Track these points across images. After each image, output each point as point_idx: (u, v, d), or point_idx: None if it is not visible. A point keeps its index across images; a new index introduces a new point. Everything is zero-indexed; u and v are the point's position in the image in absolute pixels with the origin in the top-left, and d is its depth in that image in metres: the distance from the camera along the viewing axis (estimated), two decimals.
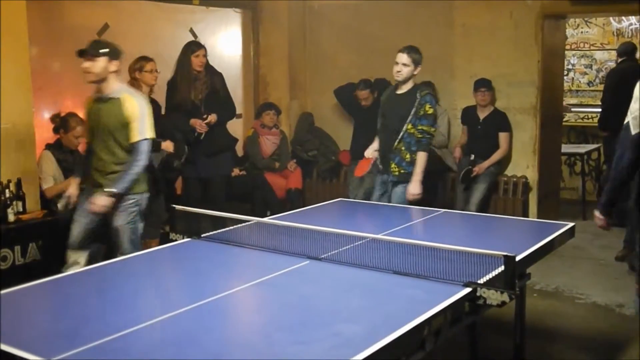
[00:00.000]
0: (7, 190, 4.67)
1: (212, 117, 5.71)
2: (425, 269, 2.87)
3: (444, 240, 3.10)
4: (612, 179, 3.46)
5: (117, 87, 4.19)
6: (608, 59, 9.22)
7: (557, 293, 5.26)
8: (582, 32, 9.24)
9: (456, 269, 2.81)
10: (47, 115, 5.52)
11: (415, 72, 5.05)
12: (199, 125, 5.68)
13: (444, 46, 7.09)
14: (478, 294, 2.67)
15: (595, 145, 8.62)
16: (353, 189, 6.65)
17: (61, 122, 5.12)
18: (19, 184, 4.74)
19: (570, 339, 4.41)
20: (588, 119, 9.05)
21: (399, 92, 5.12)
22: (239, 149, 7.12)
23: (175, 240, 3.61)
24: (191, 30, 7.12)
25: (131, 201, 4.20)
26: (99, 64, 4.10)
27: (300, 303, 2.64)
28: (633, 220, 6.07)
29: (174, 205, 3.80)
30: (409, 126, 4.98)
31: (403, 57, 5.03)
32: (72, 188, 4.39)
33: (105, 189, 4.10)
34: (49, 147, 5.15)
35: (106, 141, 4.18)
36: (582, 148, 8.49)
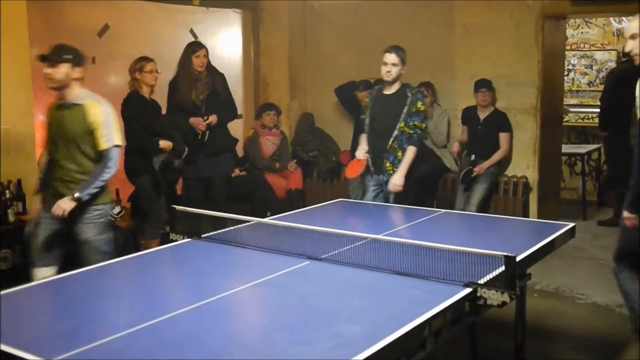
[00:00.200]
0: (7, 191, 4.67)
1: (213, 118, 5.72)
2: (426, 269, 2.87)
3: (444, 240, 3.10)
4: (636, 176, 3.50)
5: (80, 93, 4.01)
6: (608, 59, 9.22)
7: (558, 293, 5.26)
8: (582, 33, 9.24)
9: (456, 269, 2.81)
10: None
11: (402, 71, 5.08)
12: (199, 123, 5.69)
13: (444, 46, 7.09)
14: (478, 294, 2.67)
15: (595, 146, 8.62)
16: (353, 189, 6.64)
17: None
18: (19, 184, 4.75)
19: (571, 339, 4.41)
20: (588, 119, 9.05)
21: (388, 92, 5.15)
22: (239, 150, 7.12)
23: (176, 240, 3.61)
24: (191, 31, 7.13)
25: (97, 212, 4.05)
26: (61, 70, 3.94)
27: (300, 303, 2.64)
28: None
29: (174, 206, 3.80)
30: (402, 124, 5.04)
31: (392, 57, 5.05)
32: (36, 207, 4.22)
33: (72, 194, 3.94)
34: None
35: (70, 150, 4.01)
36: (583, 148, 8.49)
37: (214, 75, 5.84)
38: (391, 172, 5.07)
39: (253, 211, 6.64)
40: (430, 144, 6.92)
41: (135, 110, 5.36)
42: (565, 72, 8.49)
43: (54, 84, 3.98)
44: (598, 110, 7.87)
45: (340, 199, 5.11)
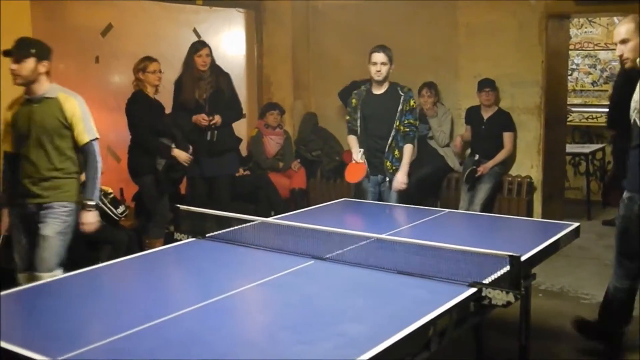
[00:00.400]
0: None
1: (217, 119, 5.71)
2: (430, 269, 2.87)
3: (448, 240, 3.09)
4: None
5: (49, 86, 3.89)
6: (612, 58, 9.19)
7: (562, 293, 5.25)
8: (586, 32, 9.22)
9: (461, 269, 2.80)
10: None
11: (391, 70, 5.10)
12: (202, 120, 5.68)
13: (448, 46, 7.08)
14: (483, 294, 2.67)
15: (599, 145, 8.61)
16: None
17: None
18: None
19: (575, 339, 4.38)
20: (592, 118, 9.04)
21: (378, 92, 5.17)
22: (243, 149, 7.12)
23: (180, 240, 3.61)
24: (194, 31, 7.13)
25: (63, 209, 3.89)
26: (27, 66, 3.78)
27: (304, 303, 2.63)
28: None
29: (178, 205, 3.80)
30: (397, 123, 5.08)
31: (380, 57, 5.05)
32: (4, 221, 4.10)
33: (85, 203, 3.92)
34: None
35: (43, 145, 3.86)
36: (587, 148, 8.48)
37: (218, 75, 5.84)
38: (391, 170, 5.13)
39: (257, 211, 6.64)
40: (434, 143, 6.91)
41: (139, 109, 5.37)
42: (569, 72, 8.48)
43: (21, 80, 3.82)
44: (602, 109, 7.86)
45: (344, 199, 5.11)
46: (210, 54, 5.77)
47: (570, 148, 8.24)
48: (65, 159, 3.93)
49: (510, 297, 2.63)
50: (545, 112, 6.67)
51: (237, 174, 6.56)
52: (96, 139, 3.96)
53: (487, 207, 6.48)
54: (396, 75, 5.36)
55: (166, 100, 5.69)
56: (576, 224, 3.83)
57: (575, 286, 5.34)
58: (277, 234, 3.50)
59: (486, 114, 6.63)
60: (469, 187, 6.52)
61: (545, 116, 6.68)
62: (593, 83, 9.29)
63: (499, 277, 2.76)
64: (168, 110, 5.73)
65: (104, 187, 5.13)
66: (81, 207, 3.96)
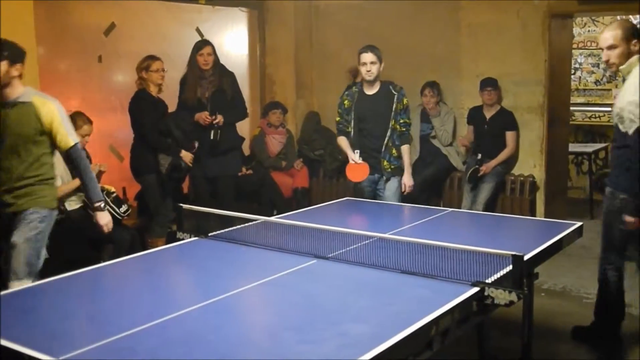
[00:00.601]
0: None
1: (220, 118, 5.70)
2: (433, 268, 2.87)
3: (451, 239, 3.08)
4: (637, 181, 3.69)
5: (23, 90, 3.72)
6: None
7: (565, 292, 5.24)
8: (589, 31, 9.21)
9: (464, 268, 2.80)
10: None
11: (381, 69, 5.10)
12: (204, 118, 5.67)
13: (450, 46, 7.08)
14: (486, 293, 2.67)
15: (602, 145, 8.60)
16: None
17: None
18: None
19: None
20: (595, 118, 9.03)
21: (370, 92, 5.17)
22: (245, 148, 7.12)
23: (182, 239, 3.61)
24: (197, 30, 7.13)
25: (36, 216, 3.71)
26: None
27: (307, 302, 2.63)
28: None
29: (181, 205, 3.80)
30: (393, 122, 5.11)
31: (369, 56, 5.06)
32: None
33: (95, 206, 3.92)
34: None
35: (18, 151, 3.70)
36: (590, 147, 8.47)
37: (222, 74, 5.82)
38: (389, 169, 5.16)
39: (259, 210, 6.64)
40: (437, 142, 6.91)
41: (142, 108, 5.38)
42: (572, 71, 8.47)
43: None
44: (605, 109, 7.85)
45: (347, 198, 5.11)
46: (213, 53, 5.76)
47: (573, 147, 8.23)
48: (40, 165, 3.77)
49: (513, 297, 2.63)
50: (548, 112, 6.66)
51: (239, 173, 6.56)
52: (77, 142, 3.85)
53: (490, 206, 6.48)
54: (398, 75, 5.37)
55: (170, 99, 5.69)
56: (579, 223, 3.83)
57: (577, 285, 5.34)
58: (280, 233, 3.50)
59: (489, 113, 6.63)
60: (472, 186, 6.52)
61: (548, 115, 6.67)
62: (596, 82, 9.28)
63: (501, 277, 2.76)
64: (171, 108, 5.73)
65: (106, 186, 5.14)
66: (92, 210, 3.97)
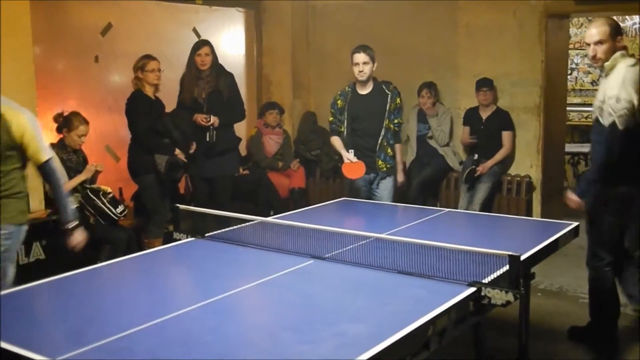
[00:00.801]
0: None
1: (215, 120, 5.67)
2: (430, 268, 2.87)
3: (448, 239, 3.09)
4: (601, 169, 3.86)
5: None
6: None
7: (561, 292, 5.25)
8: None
9: (460, 268, 2.81)
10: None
11: (374, 69, 5.13)
12: (200, 120, 5.66)
13: (448, 46, 7.08)
14: (483, 293, 2.67)
15: None
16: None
17: (64, 122, 5.12)
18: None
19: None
20: (592, 118, 9.03)
21: (364, 92, 5.20)
22: (242, 149, 7.12)
23: (179, 239, 3.61)
24: (194, 30, 7.13)
25: (3, 232, 3.38)
26: None
27: (304, 302, 2.64)
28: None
29: (177, 205, 3.80)
30: (387, 122, 5.16)
31: (361, 57, 5.10)
32: None
33: (67, 227, 3.56)
34: (52, 146, 5.14)
35: None
36: (586, 147, 8.42)
37: (219, 74, 5.78)
38: (384, 169, 5.20)
39: (256, 210, 6.64)
40: (434, 143, 6.92)
41: (139, 109, 5.37)
42: (569, 71, 8.48)
43: None
44: None
45: (343, 198, 5.11)
46: (211, 53, 5.72)
47: (570, 147, 8.24)
48: (7, 180, 3.42)
49: (510, 297, 2.63)
50: (545, 112, 6.67)
51: (236, 174, 6.55)
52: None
53: (487, 206, 6.48)
54: (396, 75, 5.38)
55: (167, 98, 5.68)
56: (575, 224, 3.84)
57: (574, 285, 5.34)
58: (277, 234, 3.50)
59: (485, 114, 6.64)
60: (469, 186, 6.52)
61: (545, 115, 6.68)
62: (592, 82, 9.30)
63: (498, 277, 2.77)
64: (169, 108, 5.72)
65: (102, 187, 5.14)
66: (63, 232, 3.60)
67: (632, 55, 3.99)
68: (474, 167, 6.48)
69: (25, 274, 4.33)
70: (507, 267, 2.72)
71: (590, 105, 9.10)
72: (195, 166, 5.76)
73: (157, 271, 3.19)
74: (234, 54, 7.67)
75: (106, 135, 6.25)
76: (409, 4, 7.15)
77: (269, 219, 3.91)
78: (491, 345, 3.90)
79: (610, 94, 3.75)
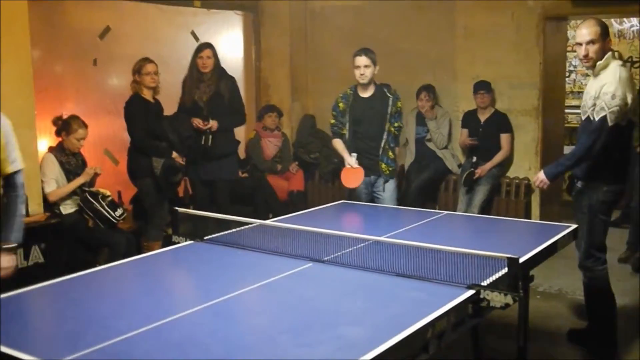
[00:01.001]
0: None
1: (213, 124, 5.64)
2: (429, 271, 2.87)
3: (446, 242, 3.09)
4: (578, 159, 3.96)
5: None
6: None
7: (560, 295, 5.25)
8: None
9: (459, 271, 2.80)
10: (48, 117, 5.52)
11: (375, 72, 5.15)
12: (198, 124, 5.64)
13: (446, 48, 7.09)
14: (482, 296, 2.67)
15: None
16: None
17: (63, 125, 5.12)
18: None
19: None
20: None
21: (365, 95, 5.22)
22: (241, 152, 7.12)
23: (178, 242, 3.61)
24: (192, 33, 7.12)
25: None
26: None
27: (303, 305, 2.64)
28: (636, 221, 6.10)
29: (176, 208, 3.80)
30: (388, 125, 5.17)
31: (363, 60, 5.12)
32: None
33: (3, 246, 3.12)
34: (51, 149, 5.15)
35: None
36: None
37: (221, 78, 5.76)
38: (387, 172, 5.22)
39: (255, 213, 6.63)
40: (432, 145, 6.92)
41: (136, 112, 5.37)
42: (567, 74, 8.49)
43: None
44: None
45: (342, 201, 5.11)
46: (213, 56, 5.69)
47: (568, 150, 8.22)
48: None
49: (509, 299, 2.63)
50: (543, 114, 6.68)
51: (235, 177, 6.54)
52: (21, 169, 3.20)
53: (485, 209, 6.49)
54: (393, 78, 5.37)
55: (165, 101, 5.68)
56: (574, 226, 3.84)
57: (573, 288, 5.34)
58: (275, 237, 3.49)
59: (483, 116, 6.65)
60: (467, 189, 6.53)
61: (543, 118, 6.68)
62: None
63: (497, 279, 2.77)
64: (168, 111, 5.71)
65: (101, 190, 5.15)
66: None
67: (621, 57, 4.10)
68: (472, 169, 6.48)
69: (24, 277, 4.35)
70: (505, 270, 2.72)
71: None
72: (195, 169, 5.76)
73: (155, 274, 3.19)
74: (232, 57, 7.67)
75: (105, 138, 6.25)
76: (407, 7, 7.16)
77: (268, 221, 3.92)
78: (490, 348, 3.90)
79: (607, 90, 3.81)
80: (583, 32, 3.98)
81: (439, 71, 7.11)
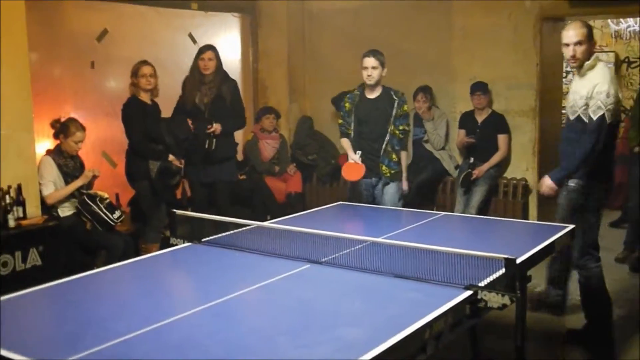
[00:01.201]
0: (7, 196, 4.67)
1: (217, 127, 5.63)
2: (426, 272, 2.87)
3: (444, 243, 3.10)
4: (583, 160, 4.03)
5: None
6: (606, 61, 9.22)
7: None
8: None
9: (457, 271, 2.81)
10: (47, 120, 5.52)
11: (383, 74, 5.15)
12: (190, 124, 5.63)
13: (443, 49, 7.10)
14: (479, 296, 2.68)
15: None
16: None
17: (61, 128, 5.12)
18: (19, 189, 4.75)
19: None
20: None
21: (372, 96, 5.23)
22: (239, 154, 7.11)
23: (176, 244, 3.61)
24: (190, 35, 7.13)
25: None
26: None
27: (301, 307, 2.64)
28: (633, 222, 6.11)
29: (174, 210, 3.80)
30: (392, 128, 5.17)
31: (371, 61, 5.12)
32: None
33: None
34: (49, 152, 5.15)
35: None
36: None
37: (222, 81, 5.75)
38: (387, 174, 5.21)
39: (253, 215, 6.64)
40: (430, 146, 6.93)
41: (133, 114, 5.38)
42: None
43: None
44: None
45: (340, 202, 5.11)
46: (215, 58, 5.68)
47: None
48: None
49: (506, 300, 2.64)
50: (540, 115, 6.69)
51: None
52: None
53: (483, 209, 6.49)
54: (391, 79, 5.38)
55: (163, 104, 5.68)
56: (571, 226, 3.84)
57: (571, 288, 5.34)
58: (273, 238, 3.50)
59: (480, 117, 6.66)
60: (465, 190, 6.54)
61: (540, 118, 6.70)
62: None
63: (494, 280, 2.77)
64: (165, 113, 5.71)
65: (100, 193, 5.15)
66: None
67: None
68: (470, 170, 6.49)
69: (22, 280, 4.36)
70: (503, 270, 2.73)
71: None
72: (195, 172, 5.75)
73: (154, 276, 3.19)
74: (230, 59, 7.65)
75: (103, 141, 6.25)
76: (405, 8, 7.17)
77: (266, 223, 3.92)
78: (488, 348, 3.91)
79: (601, 90, 3.90)
80: (570, 33, 4.08)
81: (436, 72, 7.12)
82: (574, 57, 4.05)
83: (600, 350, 4.15)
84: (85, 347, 2.18)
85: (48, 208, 5.01)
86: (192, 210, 5.47)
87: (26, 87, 4.91)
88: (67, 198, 5.07)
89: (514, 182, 6.72)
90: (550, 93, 6.95)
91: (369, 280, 2.92)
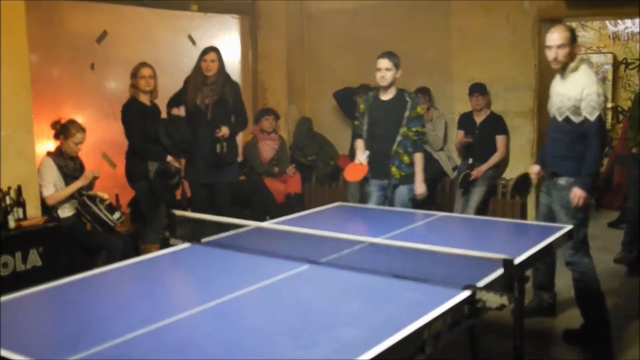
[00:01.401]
0: (7, 197, 4.68)
1: (225, 130, 5.61)
2: (425, 272, 2.88)
3: (442, 243, 3.10)
4: (597, 161, 4.16)
5: None
6: (604, 62, 9.25)
7: (556, 295, 5.26)
8: (578, 36, 9.25)
9: (455, 272, 2.82)
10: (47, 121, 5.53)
11: (397, 76, 5.15)
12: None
13: (441, 50, 7.12)
14: (477, 297, 2.69)
15: None
16: (352, 192, 6.66)
17: (61, 129, 5.13)
18: (19, 190, 4.76)
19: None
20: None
21: (385, 98, 5.22)
22: (238, 154, 7.12)
23: (175, 245, 3.62)
24: (190, 37, 7.14)
25: None
26: None
27: (300, 307, 2.65)
28: (632, 222, 6.12)
29: (173, 211, 3.81)
30: (404, 129, 5.12)
31: (385, 62, 5.11)
32: None
33: None
34: (49, 153, 5.17)
35: None
36: None
37: (225, 83, 5.73)
38: (397, 176, 5.18)
39: (252, 216, 6.64)
40: (428, 147, 6.94)
41: (132, 116, 5.39)
42: None
43: None
44: None
45: (339, 203, 5.12)
46: (217, 60, 5.67)
47: None
48: None
49: (504, 300, 2.65)
50: (539, 116, 6.71)
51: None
52: None
53: (481, 210, 6.51)
54: None
55: (162, 106, 5.69)
56: (569, 227, 3.85)
57: (568, 288, 5.34)
58: (272, 239, 3.51)
59: (479, 118, 6.67)
60: (463, 190, 6.55)
61: (539, 119, 6.71)
62: None
63: (493, 280, 2.78)
64: (165, 115, 5.71)
65: (100, 194, 5.17)
66: None
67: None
68: (468, 171, 6.51)
69: (22, 281, 4.37)
70: (501, 271, 2.74)
71: None
72: (196, 173, 5.75)
73: (153, 277, 3.20)
74: (229, 60, 7.65)
75: (103, 142, 6.27)
76: (403, 9, 7.19)
77: (265, 224, 3.93)
78: (487, 348, 3.92)
79: (590, 91, 4.00)
80: (554, 36, 4.13)
81: (434, 73, 7.14)
82: (555, 59, 4.13)
83: (598, 350, 4.16)
84: (85, 347, 2.19)
85: (48, 209, 5.02)
86: (192, 211, 5.48)
87: (26, 87, 4.92)
88: (67, 199, 5.08)
89: (512, 182, 6.73)
90: (548, 94, 6.94)
91: (368, 281, 2.93)
